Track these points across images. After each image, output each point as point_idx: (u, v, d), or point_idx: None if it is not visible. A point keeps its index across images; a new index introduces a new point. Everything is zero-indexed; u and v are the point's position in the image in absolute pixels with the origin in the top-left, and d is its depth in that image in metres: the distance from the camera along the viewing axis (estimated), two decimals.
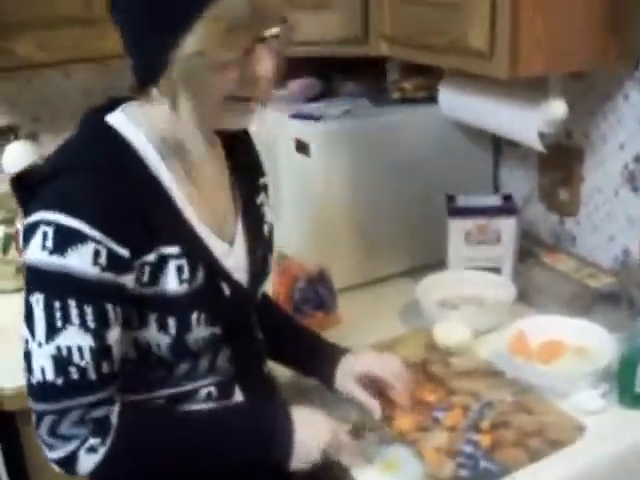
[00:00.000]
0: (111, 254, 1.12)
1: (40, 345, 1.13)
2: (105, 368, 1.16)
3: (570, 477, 1.39)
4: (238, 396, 1.35)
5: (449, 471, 1.36)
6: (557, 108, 1.73)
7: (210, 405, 1.32)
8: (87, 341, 1.13)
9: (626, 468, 1.45)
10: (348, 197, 1.99)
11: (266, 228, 1.43)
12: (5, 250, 2.12)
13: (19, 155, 2.19)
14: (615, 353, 1.55)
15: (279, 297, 1.85)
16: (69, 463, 1.18)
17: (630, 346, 1.50)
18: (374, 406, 1.45)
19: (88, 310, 1.12)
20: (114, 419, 1.19)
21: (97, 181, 1.13)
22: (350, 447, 1.35)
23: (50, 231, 1.10)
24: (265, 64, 1.14)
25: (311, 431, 1.29)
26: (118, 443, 1.18)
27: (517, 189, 2.18)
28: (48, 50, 1.96)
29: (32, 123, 2.45)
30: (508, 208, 1.95)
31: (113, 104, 1.25)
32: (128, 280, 1.16)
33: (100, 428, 1.18)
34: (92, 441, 1.17)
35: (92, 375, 1.15)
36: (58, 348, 1.12)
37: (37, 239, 1.11)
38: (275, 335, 1.51)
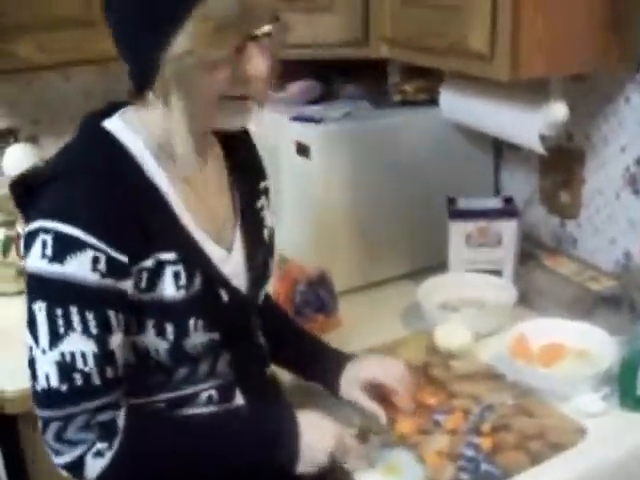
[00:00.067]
0: (110, 260, 1.12)
1: (44, 352, 1.13)
2: (109, 373, 1.16)
3: None
4: (239, 400, 1.35)
5: (450, 474, 1.36)
6: (558, 110, 1.73)
7: (211, 409, 1.32)
8: (90, 347, 1.14)
9: (627, 471, 1.45)
10: (349, 199, 1.99)
11: (266, 232, 1.43)
12: (5, 253, 2.12)
13: (19, 158, 2.19)
14: (616, 356, 1.55)
15: (280, 300, 1.85)
16: (76, 468, 1.18)
17: (631, 349, 1.50)
18: (380, 413, 1.45)
19: (90, 316, 1.13)
20: (120, 423, 1.19)
21: (95, 187, 1.14)
22: (357, 451, 1.34)
23: (49, 239, 1.10)
24: (256, 62, 1.14)
25: (317, 434, 1.29)
26: (125, 447, 1.18)
27: (518, 192, 2.18)
28: (48, 52, 1.96)
29: (32, 126, 2.45)
30: (509, 211, 1.95)
31: (112, 109, 1.26)
32: (128, 285, 1.16)
33: (106, 432, 1.18)
34: (99, 445, 1.17)
35: (96, 380, 1.15)
36: (62, 354, 1.13)
37: (37, 247, 1.11)
38: (277, 339, 1.51)
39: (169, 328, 1.20)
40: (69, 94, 2.47)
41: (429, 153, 2.07)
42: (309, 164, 1.96)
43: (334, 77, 2.23)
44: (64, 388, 1.13)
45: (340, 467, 1.34)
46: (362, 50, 1.91)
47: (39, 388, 1.15)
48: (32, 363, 1.15)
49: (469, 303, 1.89)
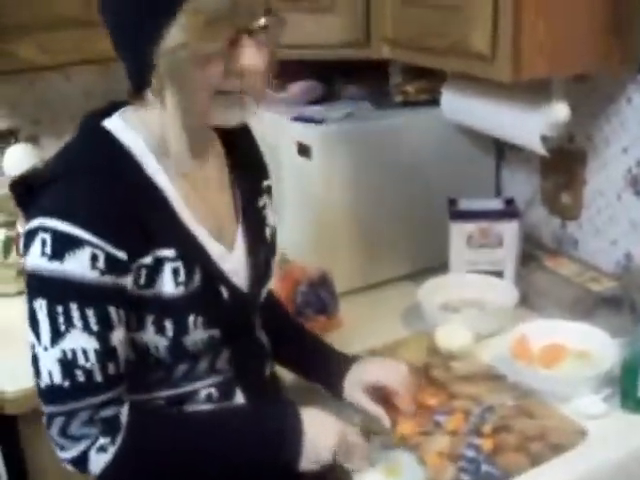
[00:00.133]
0: (109, 257, 1.13)
1: (46, 349, 1.14)
2: (111, 369, 1.17)
3: None
4: (239, 397, 1.35)
5: (451, 475, 1.36)
6: (560, 111, 1.72)
7: (211, 406, 1.32)
8: (91, 343, 1.14)
9: (628, 473, 1.45)
10: (350, 200, 1.99)
11: (268, 231, 1.43)
12: (6, 253, 2.12)
13: (20, 158, 2.19)
14: (617, 357, 1.55)
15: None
16: (81, 462, 1.19)
17: (632, 351, 1.50)
18: (383, 416, 1.45)
19: (90, 313, 1.13)
20: (123, 419, 1.20)
21: (95, 186, 1.14)
22: (361, 448, 1.34)
23: (48, 237, 1.11)
24: (250, 56, 1.14)
25: (321, 431, 1.29)
26: (128, 443, 1.19)
27: (519, 192, 2.17)
28: (48, 52, 1.96)
29: (32, 126, 2.45)
30: (510, 212, 1.95)
31: (112, 108, 1.26)
32: (127, 282, 1.17)
33: (110, 428, 1.19)
34: (102, 441, 1.18)
35: (98, 377, 1.16)
36: (63, 352, 1.13)
37: (36, 246, 1.12)
38: (278, 337, 1.51)
39: (168, 325, 1.21)
40: (70, 94, 2.46)
41: (430, 154, 2.07)
42: (310, 164, 1.96)
43: (335, 77, 2.23)
44: (67, 384, 1.14)
45: (340, 466, 1.34)
46: (363, 51, 1.91)
47: (43, 385, 1.16)
48: (35, 360, 1.16)
49: (470, 304, 1.89)
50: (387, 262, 2.10)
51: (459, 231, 1.94)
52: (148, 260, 1.18)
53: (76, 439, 1.18)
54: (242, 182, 1.38)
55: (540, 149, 1.78)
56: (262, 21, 1.14)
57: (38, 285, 1.14)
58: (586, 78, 1.87)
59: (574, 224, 2.05)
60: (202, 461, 1.25)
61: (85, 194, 1.14)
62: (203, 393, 1.31)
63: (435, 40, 1.70)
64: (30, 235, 1.13)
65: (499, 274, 1.94)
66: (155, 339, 1.21)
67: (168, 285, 1.20)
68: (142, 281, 1.18)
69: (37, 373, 1.16)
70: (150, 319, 1.20)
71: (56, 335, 1.13)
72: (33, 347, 1.16)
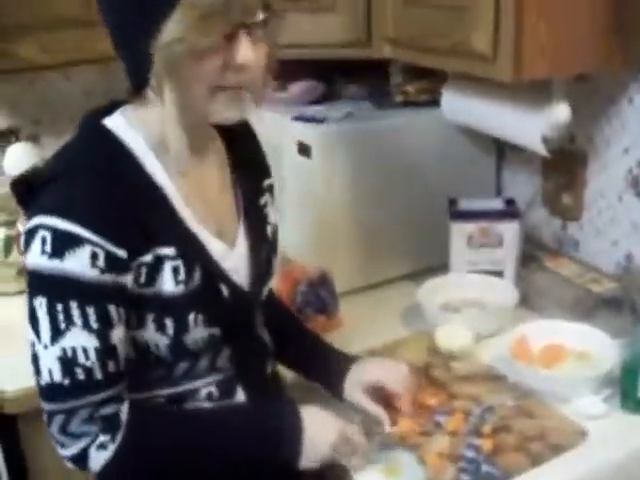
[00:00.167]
0: (109, 256, 1.13)
1: (46, 347, 1.14)
2: (111, 367, 1.17)
3: None
4: (240, 396, 1.35)
5: (451, 476, 1.36)
6: (561, 112, 1.72)
7: (211, 404, 1.32)
8: (91, 342, 1.14)
9: (627, 473, 1.45)
10: (350, 200, 1.99)
11: (269, 229, 1.43)
12: (6, 252, 2.12)
13: (20, 157, 2.19)
14: (617, 358, 1.54)
15: None
16: (81, 460, 1.20)
17: (632, 351, 1.50)
18: (382, 416, 1.46)
19: (90, 311, 1.14)
20: (123, 417, 1.20)
21: (95, 185, 1.15)
22: (361, 446, 1.35)
23: (48, 236, 1.11)
24: (246, 51, 1.13)
25: (320, 429, 1.30)
26: (128, 441, 1.20)
27: (520, 193, 2.17)
28: (50, 52, 1.96)
29: (33, 125, 2.45)
30: (511, 212, 1.95)
31: (113, 107, 1.26)
32: (127, 280, 1.17)
33: (110, 426, 1.19)
34: (102, 438, 1.19)
35: (98, 375, 1.16)
36: (63, 350, 1.14)
37: (37, 244, 1.12)
38: (278, 336, 1.51)
39: (169, 323, 1.21)
40: (70, 94, 2.47)
41: (431, 154, 2.07)
42: (310, 164, 1.96)
43: (336, 77, 2.23)
44: (67, 382, 1.15)
45: (339, 465, 1.34)
46: (364, 50, 1.91)
47: (43, 382, 1.16)
48: (35, 358, 1.16)
49: (470, 304, 1.89)
50: (387, 262, 2.09)
51: (459, 231, 1.94)
52: (148, 258, 1.18)
53: (76, 437, 1.18)
54: (243, 181, 1.38)
55: (541, 150, 1.78)
56: (259, 17, 1.14)
57: (38, 283, 1.14)
58: (587, 79, 1.87)
59: (575, 225, 2.05)
60: (202, 459, 1.25)
61: (85, 193, 1.14)
62: (204, 391, 1.31)
63: (437, 40, 1.70)
64: (30, 233, 1.13)
65: (499, 274, 1.94)
66: (155, 337, 1.21)
67: (168, 283, 1.20)
68: (142, 279, 1.18)
69: (37, 371, 1.16)
70: (150, 317, 1.20)
71: (56, 333, 1.13)
72: (33, 345, 1.16)
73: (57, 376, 1.14)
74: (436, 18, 1.70)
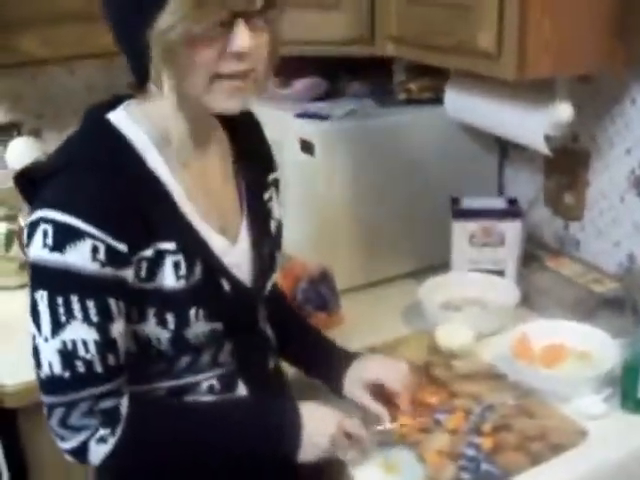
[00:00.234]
0: (110, 249, 1.13)
1: (46, 340, 1.14)
2: (111, 360, 1.17)
3: None
4: (241, 390, 1.36)
5: (450, 474, 1.36)
6: (564, 111, 1.72)
7: (212, 398, 1.32)
8: (91, 335, 1.14)
9: (628, 473, 1.45)
10: (352, 197, 1.99)
11: (273, 224, 1.43)
12: (8, 247, 2.12)
13: (22, 151, 2.20)
14: (618, 358, 1.54)
15: None
16: (81, 453, 1.20)
17: (633, 351, 1.50)
18: (382, 413, 1.45)
19: (90, 304, 1.14)
20: (123, 411, 1.21)
21: (96, 179, 1.14)
22: (360, 440, 1.35)
23: (50, 229, 1.11)
24: (242, 38, 1.12)
25: (319, 424, 1.31)
26: (128, 434, 1.20)
27: (522, 192, 2.17)
28: (52, 46, 1.96)
29: (35, 119, 2.45)
30: (513, 211, 1.95)
31: (116, 101, 1.26)
32: (128, 274, 1.17)
33: (109, 419, 1.19)
34: (102, 432, 1.19)
35: (98, 368, 1.16)
36: (63, 342, 1.14)
37: (38, 237, 1.12)
38: (280, 331, 1.51)
39: (170, 318, 1.21)
40: (73, 88, 2.47)
41: (433, 152, 2.07)
42: (313, 161, 1.96)
43: (340, 74, 2.23)
44: (67, 375, 1.15)
45: (338, 459, 1.35)
46: (368, 48, 1.91)
47: (43, 375, 1.16)
48: (35, 351, 1.16)
49: (471, 303, 1.89)
50: (389, 260, 2.09)
51: (461, 230, 1.93)
52: (149, 253, 1.18)
53: (76, 430, 1.18)
54: (247, 173, 1.38)
55: (544, 149, 1.78)
56: (258, 5, 1.13)
57: (39, 276, 1.14)
58: (590, 79, 1.87)
59: (577, 225, 2.05)
60: (201, 452, 1.25)
61: (86, 186, 1.14)
62: (205, 385, 1.31)
63: (440, 38, 1.70)
64: (32, 227, 1.13)
65: (501, 273, 1.94)
66: (157, 331, 1.21)
67: (169, 278, 1.20)
68: (143, 274, 1.18)
69: (38, 364, 1.16)
70: (151, 312, 1.20)
71: (56, 326, 1.13)
72: (34, 338, 1.16)
73: (57, 369, 1.14)
74: (440, 16, 1.70)
